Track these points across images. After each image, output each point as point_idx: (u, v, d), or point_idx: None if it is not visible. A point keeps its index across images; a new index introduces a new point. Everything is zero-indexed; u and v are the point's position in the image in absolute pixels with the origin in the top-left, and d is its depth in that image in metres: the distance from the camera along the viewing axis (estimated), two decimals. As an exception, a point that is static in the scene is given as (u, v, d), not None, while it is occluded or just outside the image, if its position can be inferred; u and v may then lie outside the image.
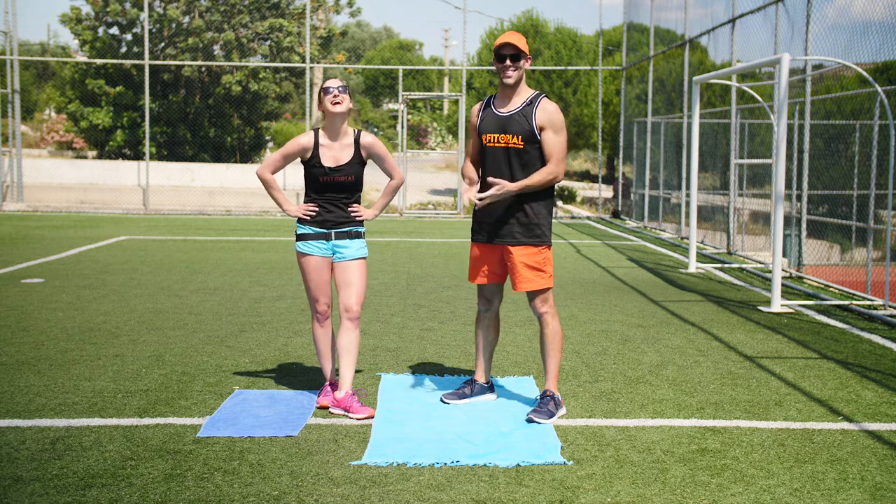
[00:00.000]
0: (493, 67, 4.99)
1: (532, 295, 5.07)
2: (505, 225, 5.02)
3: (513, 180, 4.96)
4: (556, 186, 5.10)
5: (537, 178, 4.93)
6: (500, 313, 7.76)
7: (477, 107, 5.19)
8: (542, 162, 4.99)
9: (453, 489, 3.93)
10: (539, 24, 28.52)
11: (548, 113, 4.96)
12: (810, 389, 5.68)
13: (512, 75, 4.95)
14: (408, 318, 7.83)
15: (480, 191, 5.12)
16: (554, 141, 4.96)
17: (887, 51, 9.33)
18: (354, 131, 5.15)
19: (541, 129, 4.95)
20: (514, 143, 4.96)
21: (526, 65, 5.00)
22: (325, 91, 5.03)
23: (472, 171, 5.24)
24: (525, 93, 5.04)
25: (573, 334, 7.25)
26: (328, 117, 5.09)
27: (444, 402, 5.27)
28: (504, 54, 4.94)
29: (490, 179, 4.94)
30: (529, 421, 4.90)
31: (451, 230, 17.12)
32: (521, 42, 4.95)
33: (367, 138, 5.13)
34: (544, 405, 5.00)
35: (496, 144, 5.00)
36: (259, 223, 18.07)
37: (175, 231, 16.00)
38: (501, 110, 5.03)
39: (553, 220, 5.11)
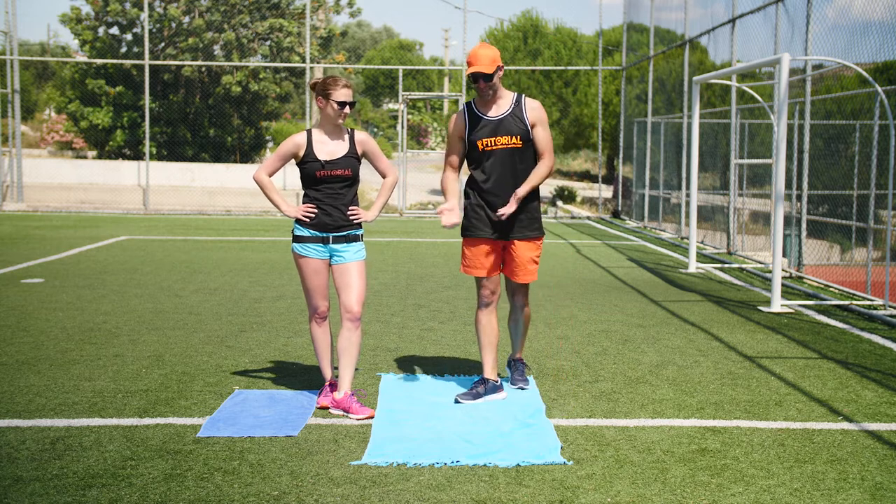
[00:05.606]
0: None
1: (522, 287, 5.46)
2: (512, 222, 5.26)
3: (515, 178, 5.22)
4: (557, 186, 5.45)
5: (539, 176, 5.26)
6: (498, 313, 7.77)
7: (458, 116, 5.31)
8: (535, 157, 5.28)
9: (453, 489, 3.93)
10: (539, 23, 28.52)
11: (535, 111, 5.26)
12: (810, 389, 5.68)
13: (490, 93, 5.19)
14: (408, 318, 7.83)
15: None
16: (544, 135, 5.26)
17: (887, 51, 9.33)
18: (348, 129, 5.22)
19: (532, 126, 5.23)
20: (514, 144, 5.20)
21: (498, 75, 5.18)
22: (339, 104, 5.03)
23: (452, 183, 5.35)
24: (507, 95, 5.29)
25: (573, 334, 7.25)
26: (327, 119, 5.10)
27: (459, 402, 5.25)
28: (477, 76, 5.14)
29: (500, 212, 5.14)
30: (518, 388, 5.47)
31: (451, 230, 17.10)
32: (490, 65, 5.09)
33: (360, 135, 5.21)
34: (521, 371, 5.62)
35: (494, 147, 5.20)
36: (259, 223, 18.07)
37: (175, 231, 16.00)
38: (491, 115, 5.23)
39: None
